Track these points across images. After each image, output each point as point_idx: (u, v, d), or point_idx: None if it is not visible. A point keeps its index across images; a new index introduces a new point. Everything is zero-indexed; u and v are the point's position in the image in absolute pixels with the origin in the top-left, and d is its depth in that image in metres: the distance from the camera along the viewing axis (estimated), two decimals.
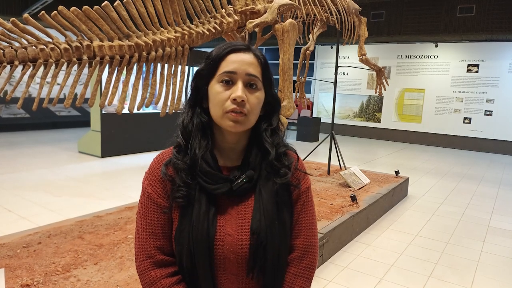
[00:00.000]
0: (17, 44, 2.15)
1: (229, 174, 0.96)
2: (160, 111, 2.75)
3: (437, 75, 11.01)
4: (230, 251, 0.92)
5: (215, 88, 0.92)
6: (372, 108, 12.17)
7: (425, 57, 11.17)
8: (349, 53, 11.81)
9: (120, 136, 7.24)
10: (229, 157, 1.00)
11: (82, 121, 10.87)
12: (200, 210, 0.91)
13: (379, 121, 12.04)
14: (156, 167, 0.98)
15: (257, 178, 0.96)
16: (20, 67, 2.17)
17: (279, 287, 0.98)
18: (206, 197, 0.92)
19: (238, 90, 0.89)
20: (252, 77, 0.92)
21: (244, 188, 0.94)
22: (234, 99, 0.89)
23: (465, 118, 10.66)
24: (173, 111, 2.71)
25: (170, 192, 0.94)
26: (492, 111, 10.30)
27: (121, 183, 5.42)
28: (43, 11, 2.18)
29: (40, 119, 10.45)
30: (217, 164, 0.96)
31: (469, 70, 10.57)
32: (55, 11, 2.21)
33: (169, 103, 2.68)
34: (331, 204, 3.84)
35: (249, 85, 0.92)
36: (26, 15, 2.23)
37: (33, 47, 2.16)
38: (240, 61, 0.91)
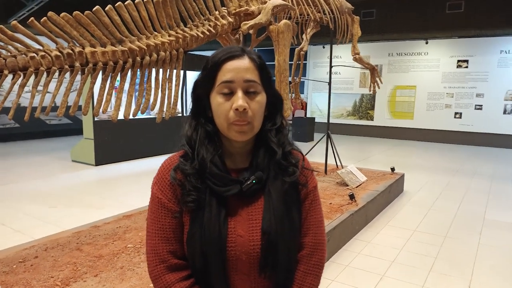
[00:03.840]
0: (5, 53, 2.10)
1: (237, 176, 0.96)
2: (155, 117, 2.71)
3: (428, 72, 11.12)
4: (242, 252, 0.93)
5: (216, 99, 0.92)
6: (365, 106, 12.24)
7: (416, 54, 11.27)
8: (341, 53, 11.86)
9: (114, 143, 7.14)
10: (237, 160, 1.00)
11: (74, 129, 10.71)
12: (211, 213, 0.92)
13: (372, 119, 12.10)
14: (165, 172, 0.98)
15: (266, 179, 0.96)
16: (10, 76, 2.11)
17: (290, 285, 1.00)
18: (216, 200, 0.93)
19: (239, 99, 0.89)
20: (250, 83, 0.91)
21: (253, 189, 0.95)
22: (236, 109, 0.89)
23: (456, 113, 10.78)
24: (170, 116, 2.67)
25: (181, 196, 0.95)
26: (482, 105, 10.44)
27: (117, 191, 5.34)
28: (32, 18, 2.12)
29: (30, 128, 10.26)
30: (225, 167, 0.96)
31: (459, 66, 10.69)
32: (44, 18, 2.16)
33: (165, 108, 2.64)
34: (330, 203, 3.83)
35: (249, 91, 0.92)
36: (14, 22, 2.17)
37: (23, 55, 2.11)
38: (236, 69, 0.91)
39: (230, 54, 0.92)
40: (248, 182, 0.94)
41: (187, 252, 0.96)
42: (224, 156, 0.98)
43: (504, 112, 10.16)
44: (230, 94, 0.91)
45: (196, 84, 0.98)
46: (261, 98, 0.94)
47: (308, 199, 1.03)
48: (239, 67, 0.91)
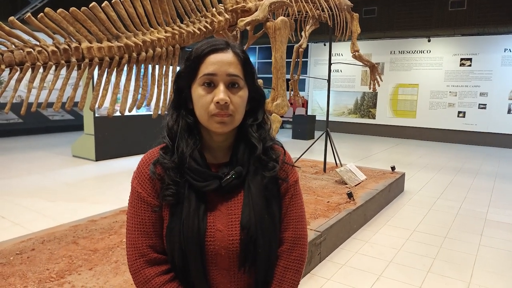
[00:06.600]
0: (3, 48, 2.11)
1: (217, 171, 0.96)
2: (152, 112, 2.72)
3: (431, 70, 11.05)
4: (221, 246, 0.93)
5: (198, 91, 0.92)
6: (367, 104, 12.19)
7: (418, 52, 11.19)
8: (343, 50, 11.82)
9: (114, 139, 7.17)
10: (217, 154, 1.00)
11: (76, 125, 10.77)
12: (190, 207, 0.92)
13: (373, 117, 12.06)
14: (144, 166, 0.98)
15: (245, 174, 0.96)
16: (7, 71, 2.13)
17: (270, 281, 1.00)
18: (195, 195, 0.93)
19: (220, 93, 0.89)
20: (233, 77, 0.91)
21: (233, 184, 0.94)
22: (218, 102, 0.89)
23: (459, 112, 10.71)
24: (166, 112, 2.68)
25: (160, 190, 0.94)
26: (486, 104, 10.35)
27: (115, 186, 5.37)
28: (29, 14, 2.14)
29: (33, 124, 10.33)
30: (205, 162, 0.96)
31: (462, 64, 10.61)
32: (41, 14, 2.18)
33: (161, 104, 2.65)
34: (328, 202, 3.83)
35: (231, 85, 0.91)
36: (11, 18, 2.19)
37: (20, 50, 2.12)
38: (220, 62, 0.90)
39: (214, 47, 0.91)
40: (228, 177, 0.93)
41: (166, 246, 0.96)
42: (204, 150, 0.98)
43: (509, 112, 10.07)
44: (212, 87, 0.90)
45: (179, 75, 0.97)
46: (243, 93, 0.93)
47: (288, 193, 1.03)
48: (222, 61, 0.90)
